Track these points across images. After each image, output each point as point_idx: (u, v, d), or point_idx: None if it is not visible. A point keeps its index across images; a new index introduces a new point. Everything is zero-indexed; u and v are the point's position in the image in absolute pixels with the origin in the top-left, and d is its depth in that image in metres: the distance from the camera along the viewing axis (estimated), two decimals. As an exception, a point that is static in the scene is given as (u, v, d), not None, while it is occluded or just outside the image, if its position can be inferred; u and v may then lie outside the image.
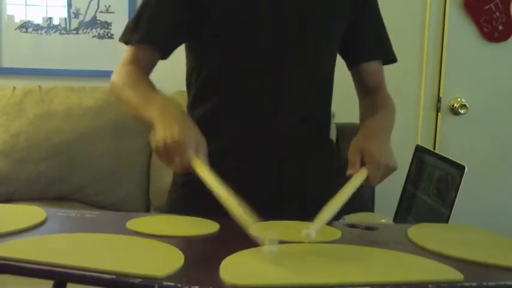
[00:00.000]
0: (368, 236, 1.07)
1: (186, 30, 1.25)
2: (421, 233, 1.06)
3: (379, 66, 1.35)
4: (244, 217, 0.93)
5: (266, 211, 1.12)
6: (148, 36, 1.25)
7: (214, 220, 1.06)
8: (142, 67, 1.25)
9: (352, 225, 1.11)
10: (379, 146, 1.14)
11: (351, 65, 1.36)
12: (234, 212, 0.94)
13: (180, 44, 1.29)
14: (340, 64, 1.34)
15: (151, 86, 1.20)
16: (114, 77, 1.24)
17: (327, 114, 1.35)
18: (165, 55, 1.28)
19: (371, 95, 1.34)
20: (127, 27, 1.28)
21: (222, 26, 1.23)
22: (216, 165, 1.15)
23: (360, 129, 1.23)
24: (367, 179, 1.10)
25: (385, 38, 1.36)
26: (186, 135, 1.03)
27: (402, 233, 1.06)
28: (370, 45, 1.33)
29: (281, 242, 0.95)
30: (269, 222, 1.08)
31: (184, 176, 1.21)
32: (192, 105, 1.31)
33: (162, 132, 1.04)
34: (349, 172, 1.10)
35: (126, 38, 1.27)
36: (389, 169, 1.13)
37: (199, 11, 1.23)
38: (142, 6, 1.27)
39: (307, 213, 1.09)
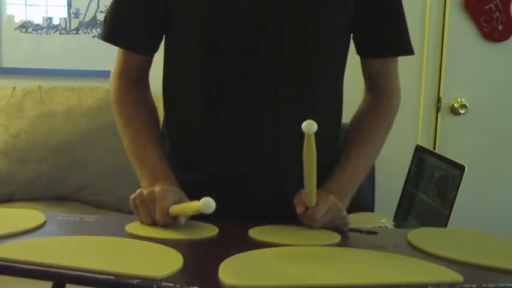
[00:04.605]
0: (367, 240, 1.06)
1: (161, 27, 1.22)
2: (421, 236, 1.06)
3: (383, 64, 1.29)
4: None
5: (267, 215, 1.11)
6: (115, 37, 1.23)
7: (213, 224, 1.06)
8: (131, 77, 1.26)
9: (352, 230, 1.11)
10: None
11: (359, 54, 1.30)
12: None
13: (160, 40, 1.25)
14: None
15: (145, 136, 1.24)
16: (111, 94, 1.29)
17: (332, 117, 1.29)
18: (146, 53, 1.25)
19: (369, 104, 1.30)
20: (103, 21, 1.26)
21: (211, 30, 1.17)
22: (217, 180, 1.14)
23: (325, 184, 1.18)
24: (311, 211, 1.07)
25: (396, 31, 1.27)
26: (165, 191, 1.05)
27: (402, 237, 1.05)
28: (373, 42, 1.27)
29: (281, 245, 0.95)
30: (269, 226, 1.08)
31: (187, 179, 1.19)
32: (174, 111, 1.26)
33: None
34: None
35: (100, 35, 1.27)
36: (339, 209, 1.10)
37: (185, 15, 1.18)
38: (113, 2, 1.24)
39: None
